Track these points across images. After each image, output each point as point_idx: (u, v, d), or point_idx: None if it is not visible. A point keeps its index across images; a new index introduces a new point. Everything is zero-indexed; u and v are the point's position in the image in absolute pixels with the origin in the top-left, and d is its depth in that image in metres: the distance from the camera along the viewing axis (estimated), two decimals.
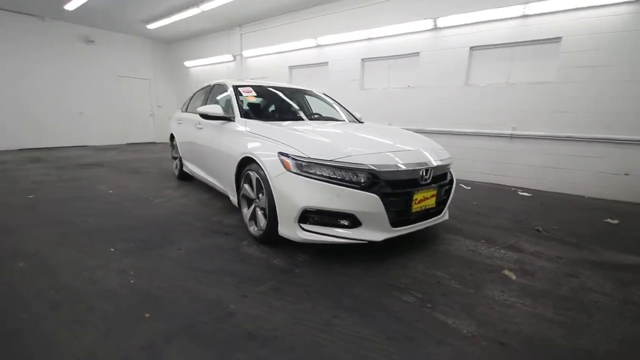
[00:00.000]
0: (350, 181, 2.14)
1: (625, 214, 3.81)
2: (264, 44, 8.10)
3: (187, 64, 10.31)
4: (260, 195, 2.58)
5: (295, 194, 2.18)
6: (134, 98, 10.28)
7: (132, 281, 2.02)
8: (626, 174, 4.36)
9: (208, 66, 9.81)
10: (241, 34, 8.65)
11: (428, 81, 5.86)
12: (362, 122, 3.81)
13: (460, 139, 5.66)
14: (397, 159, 2.29)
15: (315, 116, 3.80)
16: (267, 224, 2.45)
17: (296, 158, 2.21)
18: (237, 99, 3.29)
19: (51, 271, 2.12)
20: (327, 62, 7.13)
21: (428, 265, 2.37)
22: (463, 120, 5.58)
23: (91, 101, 9.43)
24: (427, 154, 2.51)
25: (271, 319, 1.70)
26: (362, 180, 2.15)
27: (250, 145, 2.64)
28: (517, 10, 4.78)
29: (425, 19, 5.59)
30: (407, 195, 2.27)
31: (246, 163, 2.71)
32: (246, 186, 2.74)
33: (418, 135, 3.09)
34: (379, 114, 6.41)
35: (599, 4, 4.25)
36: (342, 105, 4.16)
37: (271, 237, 2.50)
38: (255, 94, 3.48)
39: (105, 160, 6.87)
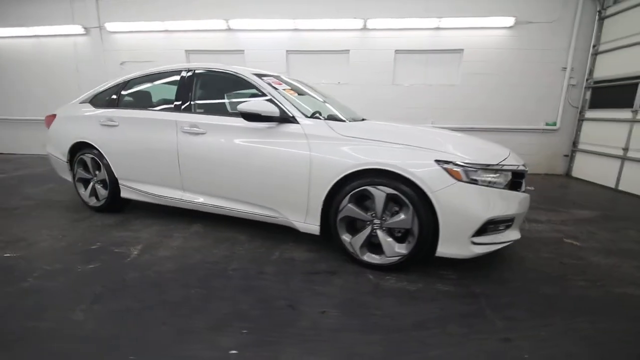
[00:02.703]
0: (510, 184, 2.08)
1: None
2: (143, 17, 6.17)
3: None
4: (385, 215, 2.10)
5: (473, 205, 1.91)
6: None
7: None
8: None
9: (30, 39, 6.56)
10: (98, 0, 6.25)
11: (358, 78, 6.12)
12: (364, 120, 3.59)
13: None
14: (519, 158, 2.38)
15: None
16: (414, 247, 2.04)
17: (466, 165, 1.93)
18: (280, 93, 2.47)
19: None
20: (243, 50, 6.22)
21: (526, 252, 2.61)
22: (392, 115, 6.17)
23: None
24: None
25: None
26: (515, 181, 2.13)
27: (368, 154, 2.07)
28: (434, 22, 5.67)
29: (355, 18, 5.78)
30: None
31: (354, 177, 2.12)
32: (351, 206, 2.15)
33: None
34: None
35: (488, 27, 5.62)
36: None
37: (410, 262, 2.10)
38: (289, 87, 2.69)
39: None
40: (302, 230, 2.39)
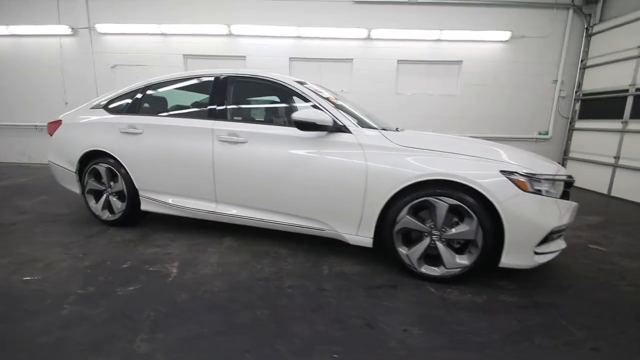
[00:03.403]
0: (562, 194, 2.13)
1: None
2: (137, 19, 5.89)
3: None
4: (444, 227, 2.08)
5: (539, 215, 1.94)
6: None
7: None
8: None
9: (10, 39, 6.06)
10: None
11: (362, 87, 6.16)
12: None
13: None
14: None
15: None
16: (477, 258, 2.03)
17: (531, 176, 1.95)
18: (329, 102, 2.41)
19: None
20: (245, 57, 6.09)
21: (563, 259, 2.68)
22: (396, 124, 6.25)
23: None
24: None
25: None
26: (565, 191, 2.18)
27: (432, 164, 2.04)
28: (435, 34, 5.84)
29: (359, 27, 5.83)
30: None
31: (413, 188, 2.08)
32: (410, 218, 2.11)
33: None
34: None
35: (486, 40, 5.87)
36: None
37: (469, 274, 2.08)
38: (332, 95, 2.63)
39: None
40: (352, 242, 2.32)
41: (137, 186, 2.83)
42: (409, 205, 2.09)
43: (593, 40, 5.61)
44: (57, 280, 2.06)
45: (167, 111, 2.89)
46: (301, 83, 2.53)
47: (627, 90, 4.86)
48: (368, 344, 1.55)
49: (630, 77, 4.78)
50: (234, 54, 6.08)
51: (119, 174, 2.86)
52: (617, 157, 4.98)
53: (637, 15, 4.70)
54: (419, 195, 2.06)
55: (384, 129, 2.46)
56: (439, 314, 1.82)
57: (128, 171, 2.81)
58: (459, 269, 2.08)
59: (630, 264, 2.58)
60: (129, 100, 2.94)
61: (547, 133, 6.15)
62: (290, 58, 6.10)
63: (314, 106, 2.38)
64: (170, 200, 2.75)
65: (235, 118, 2.58)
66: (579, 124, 5.90)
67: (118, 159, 2.82)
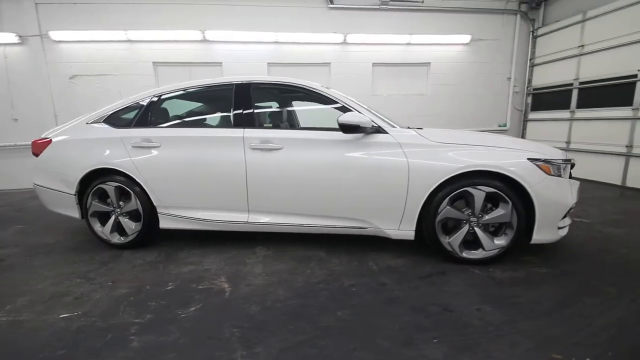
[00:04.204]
0: (569, 175, 2.46)
1: None
2: (99, 25, 5.41)
3: None
4: (481, 213, 2.28)
5: (561, 195, 2.23)
6: None
7: None
8: None
9: None
10: (37, 3, 5.27)
11: (340, 90, 6.26)
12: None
13: None
14: None
15: None
16: (512, 239, 2.26)
17: (552, 161, 2.23)
18: (362, 105, 2.52)
19: None
20: (221, 63, 5.90)
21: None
22: None
23: None
24: None
25: None
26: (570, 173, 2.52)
27: (470, 157, 2.22)
28: (405, 38, 6.22)
29: (336, 33, 6.00)
30: None
31: (452, 181, 2.24)
32: (450, 208, 2.28)
33: None
34: None
35: (450, 43, 6.39)
36: None
37: (504, 254, 2.31)
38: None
39: None
40: (394, 237, 2.43)
41: (155, 203, 2.65)
42: (449, 197, 2.26)
43: (538, 41, 6.41)
44: (101, 312, 1.87)
45: (184, 121, 2.75)
46: (327, 88, 2.59)
47: (571, 84, 5.64)
48: (456, 326, 1.67)
49: (574, 73, 5.56)
50: (209, 60, 5.87)
51: (132, 192, 2.65)
52: (568, 142, 5.75)
53: (575, 19, 5.49)
54: (459, 186, 2.24)
55: (409, 127, 2.62)
56: (494, 291, 2.00)
57: (145, 188, 2.62)
58: (497, 250, 2.29)
59: (615, 231, 3.04)
60: (138, 112, 2.73)
61: (505, 125, 6.87)
62: (268, 63, 6.06)
63: (344, 108, 2.47)
64: (198, 215, 2.62)
65: (265, 125, 2.56)
66: (532, 115, 6.69)
67: (132, 175, 2.61)
